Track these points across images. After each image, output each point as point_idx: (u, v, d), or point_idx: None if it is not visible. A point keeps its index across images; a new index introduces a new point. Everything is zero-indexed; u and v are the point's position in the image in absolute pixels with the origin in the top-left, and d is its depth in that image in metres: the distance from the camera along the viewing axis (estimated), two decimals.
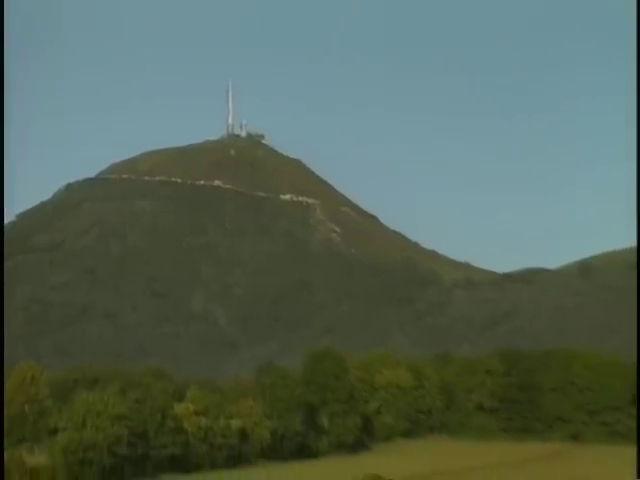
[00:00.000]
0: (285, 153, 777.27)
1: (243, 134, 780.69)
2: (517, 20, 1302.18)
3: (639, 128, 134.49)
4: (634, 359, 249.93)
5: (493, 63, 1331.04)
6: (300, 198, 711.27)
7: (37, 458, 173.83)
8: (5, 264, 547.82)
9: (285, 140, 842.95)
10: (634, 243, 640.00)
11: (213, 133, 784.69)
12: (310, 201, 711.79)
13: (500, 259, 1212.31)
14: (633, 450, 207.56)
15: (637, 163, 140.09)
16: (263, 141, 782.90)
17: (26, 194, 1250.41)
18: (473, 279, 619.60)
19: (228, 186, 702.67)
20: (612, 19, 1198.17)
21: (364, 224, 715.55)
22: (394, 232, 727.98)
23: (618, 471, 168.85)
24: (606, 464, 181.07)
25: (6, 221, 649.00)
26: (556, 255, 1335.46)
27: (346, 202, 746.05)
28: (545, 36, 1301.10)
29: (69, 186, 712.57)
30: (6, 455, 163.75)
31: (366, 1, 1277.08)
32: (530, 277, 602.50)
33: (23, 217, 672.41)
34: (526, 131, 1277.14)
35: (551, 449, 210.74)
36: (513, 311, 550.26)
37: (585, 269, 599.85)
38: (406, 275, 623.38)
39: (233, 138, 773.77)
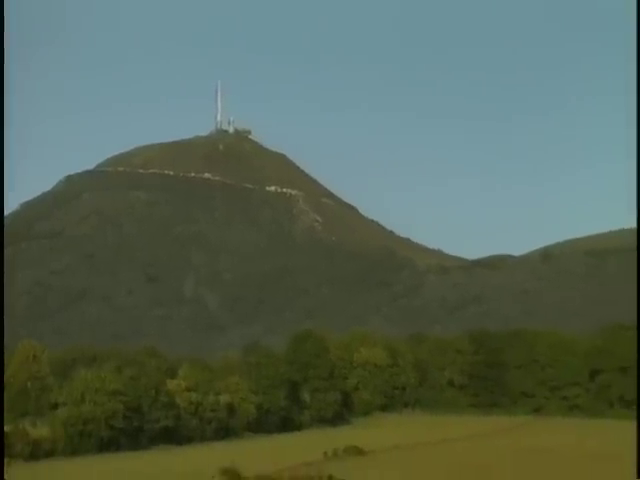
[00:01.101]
0: (270, 148, 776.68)
1: (231, 130, 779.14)
2: (517, 20, 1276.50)
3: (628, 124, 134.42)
4: (592, 339, 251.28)
5: (471, 58, 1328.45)
6: (284, 190, 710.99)
7: (39, 430, 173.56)
8: (9, 250, 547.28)
9: (270, 136, 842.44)
10: (592, 232, 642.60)
11: (203, 129, 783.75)
12: (293, 192, 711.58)
13: (469, 246, 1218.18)
14: (591, 422, 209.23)
15: (630, 160, 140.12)
16: (249, 137, 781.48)
17: (29, 185, 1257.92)
18: (444, 265, 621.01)
19: (217, 178, 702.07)
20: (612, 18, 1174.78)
21: (344, 214, 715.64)
22: (372, 221, 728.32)
23: (577, 442, 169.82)
24: (566, 435, 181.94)
25: (10, 210, 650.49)
26: (521, 243, 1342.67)
27: (327, 193, 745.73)
28: (543, 35, 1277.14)
29: (69, 178, 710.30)
30: (10, 428, 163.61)
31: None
32: (497, 263, 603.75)
33: (26, 206, 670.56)
34: (495, 125, 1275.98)
35: (516, 422, 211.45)
36: (481, 294, 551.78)
37: (547, 256, 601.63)
38: (383, 261, 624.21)
39: (221, 134, 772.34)
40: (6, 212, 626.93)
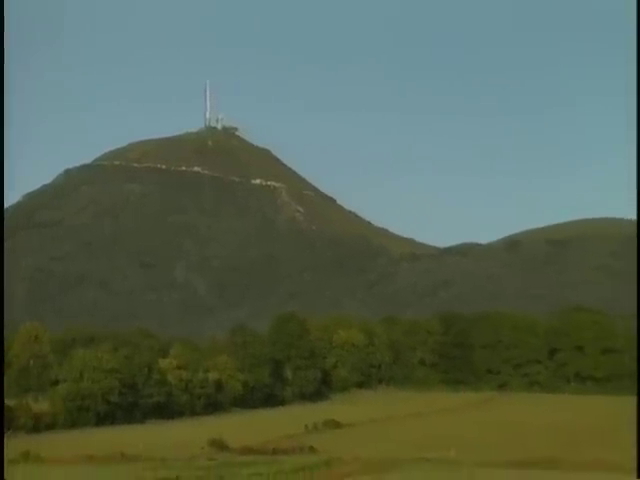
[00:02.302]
0: (255, 144, 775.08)
1: (219, 127, 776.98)
2: (516, 20, 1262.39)
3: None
4: (551, 320, 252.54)
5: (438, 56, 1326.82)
6: (268, 182, 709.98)
7: (41, 405, 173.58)
8: (12, 238, 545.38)
9: (256, 132, 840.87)
10: (554, 221, 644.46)
11: (193, 126, 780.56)
12: (277, 185, 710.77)
13: (440, 235, 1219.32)
14: (550, 397, 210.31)
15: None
16: (236, 133, 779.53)
17: (31, 178, 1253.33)
18: (417, 252, 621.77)
19: (206, 172, 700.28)
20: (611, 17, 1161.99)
21: (323, 205, 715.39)
22: (350, 212, 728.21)
23: (538, 415, 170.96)
24: (528, 408, 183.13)
25: (14, 201, 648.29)
26: (487, 232, 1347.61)
27: (308, 186, 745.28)
28: (541, 35, 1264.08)
29: (68, 171, 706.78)
30: (14, 402, 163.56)
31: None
32: (465, 250, 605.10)
33: (28, 198, 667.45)
34: (464, 122, 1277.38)
35: (482, 397, 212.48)
36: (450, 280, 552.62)
37: (511, 244, 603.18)
38: (359, 249, 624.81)
39: (210, 131, 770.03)
40: (10, 203, 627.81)
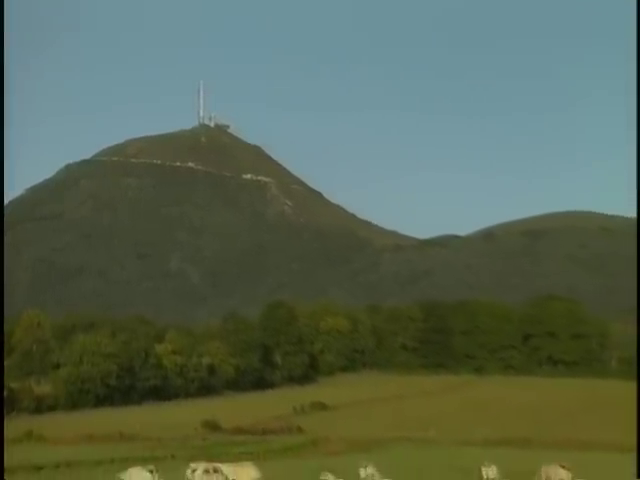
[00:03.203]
0: (246, 141, 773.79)
1: (212, 125, 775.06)
2: (515, 20, 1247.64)
3: None
4: (525, 308, 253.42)
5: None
6: (259, 177, 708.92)
7: (43, 388, 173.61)
8: (15, 229, 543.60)
9: (246, 130, 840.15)
10: (529, 214, 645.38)
11: (187, 124, 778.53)
12: (267, 180, 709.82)
13: (421, 227, 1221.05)
14: (523, 379, 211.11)
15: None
16: (228, 130, 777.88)
17: (33, 173, 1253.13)
18: (399, 244, 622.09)
19: (199, 167, 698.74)
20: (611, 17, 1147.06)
21: (311, 199, 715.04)
22: (336, 206, 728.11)
23: (511, 396, 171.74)
24: (502, 390, 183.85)
25: (16, 194, 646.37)
26: (465, 224, 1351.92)
27: (296, 181, 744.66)
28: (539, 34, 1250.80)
29: (68, 166, 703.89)
30: (18, 385, 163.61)
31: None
32: (444, 242, 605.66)
33: (30, 191, 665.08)
34: (446, 120, 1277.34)
35: (460, 380, 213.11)
36: (430, 270, 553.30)
37: (488, 235, 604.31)
38: (345, 241, 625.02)
39: (204, 128, 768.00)
40: (13, 196, 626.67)
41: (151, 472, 45.39)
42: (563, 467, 47.42)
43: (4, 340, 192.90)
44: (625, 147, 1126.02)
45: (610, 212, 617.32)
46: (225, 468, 44.01)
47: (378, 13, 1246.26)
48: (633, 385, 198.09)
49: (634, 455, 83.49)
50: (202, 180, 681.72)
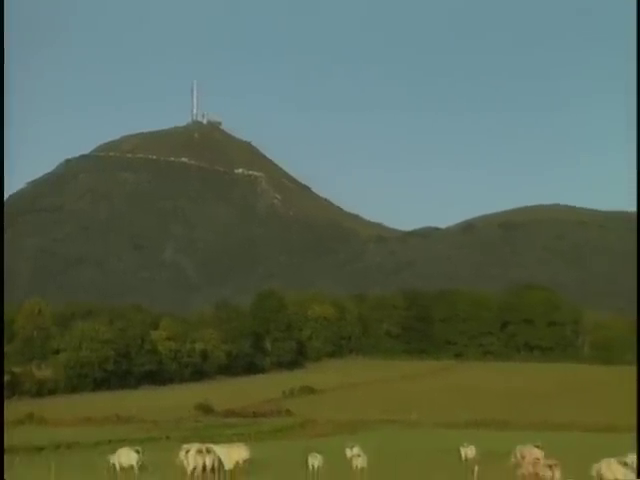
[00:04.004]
0: (238, 136, 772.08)
1: (205, 121, 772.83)
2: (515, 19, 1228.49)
3: None
4: (502, 296, 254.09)
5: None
6: (249, 172, 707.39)
7: (44, 372, 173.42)
8: (17, 221, 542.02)
9: (238, 126, 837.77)
10: (507, 207, 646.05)
11: (181, 121, 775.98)
12: (257, 174, 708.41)
13: (404, 220, 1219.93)
14: (501, 364, 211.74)
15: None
16: (220, 127, 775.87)
17: (34, 167, 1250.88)
18: (383, 235, 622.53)
19: (193, 162, 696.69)
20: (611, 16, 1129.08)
21: (299, 192, 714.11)
22: (323, 199, 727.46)
23: (490, 380, 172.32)
24: (481, 375, 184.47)
25: (18, 188, 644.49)
26: (446, 216, 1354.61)
27: (285, 175, 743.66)
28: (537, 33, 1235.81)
29: (68, 161, 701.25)
30: (20, 369, 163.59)
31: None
32: (426, 234, 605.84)
33: (32, 185, 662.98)
34: (427, 116, 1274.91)
35: (441, 365, 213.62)
36: (413, 260, 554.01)
37: (467, 227, 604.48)
38: (331, 232, 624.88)
39: (197, 125, 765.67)
40: (15, 190, 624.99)
41: (137, 452, 45.59)
42: (537, 447, 47.64)
43: (7, 327, 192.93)
44: (603, 143, 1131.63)
45: (586, 205, 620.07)
46: (217, 449, 43.98)
47: (367, 8, 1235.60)
48: (604, 369, 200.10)
49: (606, 435, 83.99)
50: (195, 175, 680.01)
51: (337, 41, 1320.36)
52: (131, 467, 44.29)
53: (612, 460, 37.95)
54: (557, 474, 38.76)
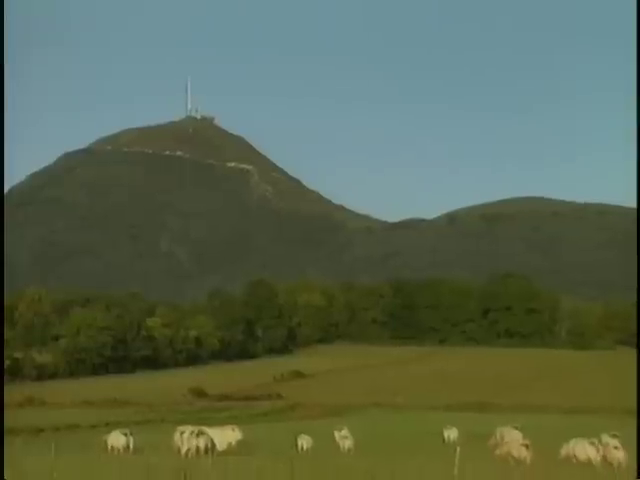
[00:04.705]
0: (230, 131, 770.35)
1: (198, 117, 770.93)
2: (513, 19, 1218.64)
3: None
4: (484, 285, 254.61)
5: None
6: (242, 165, 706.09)
7: (44, 357, 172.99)
8: (18, 212, 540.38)
9: (230, 121, 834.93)
10: (488, 200, 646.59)
11: (176, 116, 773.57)
12: (249, 168, 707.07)
13: (391, 212, 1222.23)
14: (483, 350, 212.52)
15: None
16: (214, 122, 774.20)
17: (35, 160, 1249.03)
18: (371, 226, 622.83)
19: (187, 156, 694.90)
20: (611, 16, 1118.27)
21: (290, 185, 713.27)
22: (313, 191, 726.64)
23: (472, 365, 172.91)
24: (464, 360, 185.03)
25: (19, 180, 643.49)
26: (430, 208, 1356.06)
27: (276, 168, 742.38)
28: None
29: (67, 155, 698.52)
30: (21, 355, 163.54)
31: None
32: (412, 225, 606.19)
33: (32, 177, 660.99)
34: (411, 111, 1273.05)
35: (426, 351, 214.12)
36: (399, 250, 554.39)
37: (451, 219, 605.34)
38: (321, 224, 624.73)
39: (191, 120, 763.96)
40: (16, 182, 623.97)
41: (125, 435, 45.88)
42: (516, 428, 48.00)
43: (8, 314, 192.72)
44: (579, 139, 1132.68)
45: (561, 198, 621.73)
46: (211, 431, 44.13)
47: (354, 2, 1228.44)
48: (581, 354, 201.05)
49: (582, 416, 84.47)
50: (189, 168, 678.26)
51: (328, 38, 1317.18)
52: (119, 449, 44.59)
53: (581, 440, 39.40)
54: (530, 453, 39.57)
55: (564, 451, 40.01)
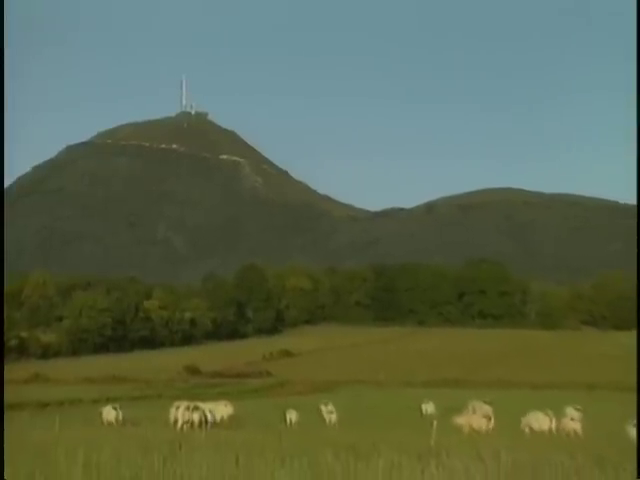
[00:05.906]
0: (223, 125, 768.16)
1: (193, 113, 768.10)
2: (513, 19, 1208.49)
3: None
4: (460, 269, 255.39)
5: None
6: (233, 158, 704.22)
7: (48, 337, 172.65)
8: (23, 201, 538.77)
9: (223, 116, 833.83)
10: (465, 190, 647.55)
11: (171, 111, 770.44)
12: (240, 160, 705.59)
13: (373, 201, 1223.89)
14: (458, 330, 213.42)
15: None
16: (207, 117, 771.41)
17: (39, 153, 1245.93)
18: (354, 215, 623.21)
19: (182, 149, 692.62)
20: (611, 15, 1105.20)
21: (278, 177, 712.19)
22: (299, 182, 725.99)
23: (449, 344, 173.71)
24: (441, 340, 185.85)
25: (23, 171, 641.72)
26: (410, 198, 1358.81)
27: (266, 161, 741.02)
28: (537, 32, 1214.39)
29: (68, 147, 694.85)
30: (27, 334, 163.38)
31: None
32: (393, 214, 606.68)
33: (36, 169, 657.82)
34: (398, 105, 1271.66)
35: (405, 332, 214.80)
36: (380, 237, 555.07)
37: (429, 208, 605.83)
38: (307, 212, 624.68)
39: (186, 115, 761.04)
40: (20, 173, 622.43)
41: (115, 409, 46.04)
42: (486, 402, 48.35)
43: (15, 296, 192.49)
44: (559, 131, 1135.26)
45: (531, 188, 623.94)
46: (204, 406, 44.18)
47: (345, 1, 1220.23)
48: (548, 334, 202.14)
49: (549, 391, 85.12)
50: (184, 160, 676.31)
51: (316, 38, 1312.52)
52: (112, 422, 44.73)
53: (537, 412, 40.35)
54: (490, 424, 40.23)
55: (524, 422, 40.82)
